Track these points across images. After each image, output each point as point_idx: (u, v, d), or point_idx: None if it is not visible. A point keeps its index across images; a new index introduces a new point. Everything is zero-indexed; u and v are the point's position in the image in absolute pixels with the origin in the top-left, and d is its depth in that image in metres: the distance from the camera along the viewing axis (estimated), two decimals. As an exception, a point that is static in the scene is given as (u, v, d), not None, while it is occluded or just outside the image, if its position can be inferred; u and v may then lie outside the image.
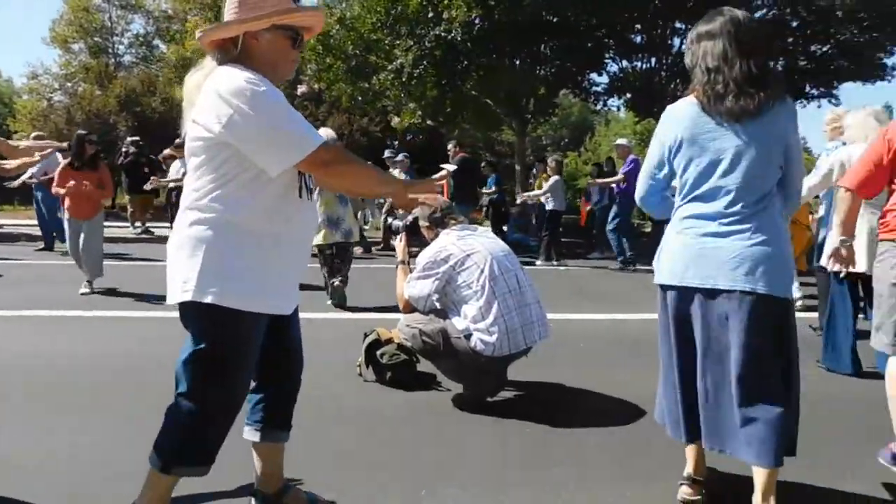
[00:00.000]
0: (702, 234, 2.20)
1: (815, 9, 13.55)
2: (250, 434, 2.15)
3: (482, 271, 3.37)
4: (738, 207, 2.16)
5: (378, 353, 3.89)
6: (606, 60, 15.76)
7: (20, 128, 24.76)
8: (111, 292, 6.73)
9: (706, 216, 2.21)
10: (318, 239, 5.94)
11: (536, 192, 11.22)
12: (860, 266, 3.73)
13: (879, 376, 3.01)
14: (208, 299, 1.77)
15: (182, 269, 1.81)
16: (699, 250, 2.20)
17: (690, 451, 2.41)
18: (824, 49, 14.91)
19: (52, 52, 33.68)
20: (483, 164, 13.45)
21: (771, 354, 2.15)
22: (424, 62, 12.73)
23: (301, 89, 19.37)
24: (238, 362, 1.87)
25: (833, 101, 15.48)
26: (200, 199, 1.81)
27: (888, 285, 2.76)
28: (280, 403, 2.14)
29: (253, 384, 2.10)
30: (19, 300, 6.04)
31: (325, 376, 3.87)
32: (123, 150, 13.01)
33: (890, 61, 14.70)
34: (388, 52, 13.78)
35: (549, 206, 10.67)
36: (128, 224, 13.27)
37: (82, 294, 6.53)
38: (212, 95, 1.76)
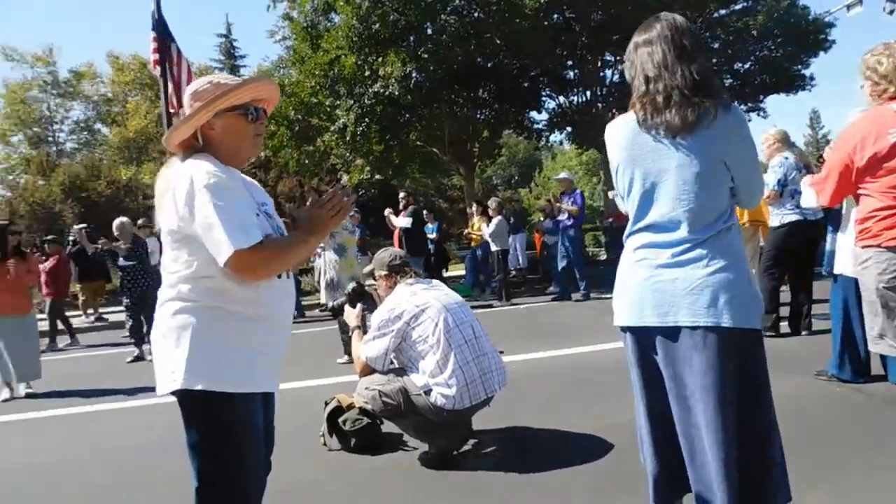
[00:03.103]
0: (656, 266, 1.97)
1: (732, 29, 14.25)
2: None
3: (437, 325, 3.35)
4: (691, 233, 1.93)
5: (340, 420, 3.82)
6: (543, 98, 16.22)
7: (-37, 227, 24.19)
8: (66, 385, 6.48)
9: (658, 245, 1.98)
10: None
11: (483, 231, 11.36)
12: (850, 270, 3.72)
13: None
14: (199, 386, 1.77)
15: (169, 358, 1.81)
16: (654, 284, 1.96)
17: None
18: (746, 66, 15.63)
19: (-9, 148, 33.23)
20: (425, 212, 13.64)
21: (742, 396, 1.89)
22: (366, 119, 12.93)
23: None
24: (240, 445, 1.84)
25: (761, 114, 16.17)
26: (180, 289, 1.82)
27: (878, 291, 2.82)
28: None
29: None
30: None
31: (288, 450, 3.75)
32: (71, 238, 12.74)
33: (808, 72, 15.46)
34: (329, 114, 13.95)
35: (493, 248, 10.88)
36: (80, 313, 12.92)
37: (4, 400, 6.09)
38: (170, 191, 1.79)
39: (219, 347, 1.80)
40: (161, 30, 14.26)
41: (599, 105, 16.11)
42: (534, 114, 16.80)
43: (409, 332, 3.39)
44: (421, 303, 3.44)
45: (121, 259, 7.97)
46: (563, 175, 10.92)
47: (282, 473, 3.36)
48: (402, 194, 11.80)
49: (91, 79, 37.43)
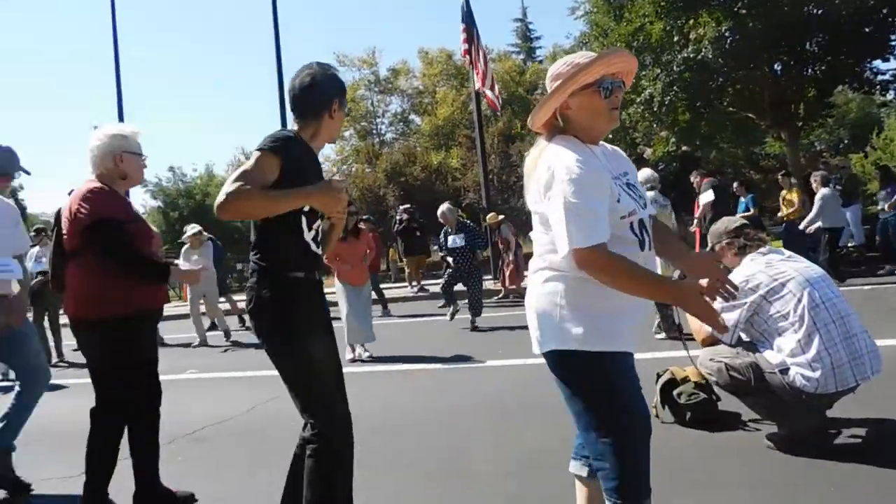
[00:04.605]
0: None
1: None
2: (577, 468, 2.19)
3: (799, 300, 3.06)
4: None
5: (675, 392, 3.72)
6: (893, 42, 13.59)
7: (312, 210, 28.81)
8: (391, 349, 7.35)
9: None
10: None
11: (810, 216, 9.98)
12: None
13: None
14: (572, 346, 1.88)
15: (543, 322, 1.95)
16: None
17: None
18: None
19: (329, 143, 39.25)
20: (736, 185, 12.42)
21: None
22: (674, 88, 12.29)
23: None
24: (622, 395, 1.91)
25: None
26: (549, 260, 1.95)
27: None
28: None
29: None
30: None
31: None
32: (397, 217, 14.42)
33: None
34: (634, 85, 13.57)
35: (822, 224, 9.52)
36: (406, 284, 14.62)
37: (351, 361, 6.75)
38: (537, 173, 1.93)
39: (586, 311, 1.88)
40: (469, 20, 15.41)
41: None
42: (878, 63, 14.24)
43: (765, 305, 3.14)
44: (779, 275, 3.16)
45: (450, 240, 8.74)
46: None
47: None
48: (692, 177, 10.96)
49: (405, 74, 41.75)
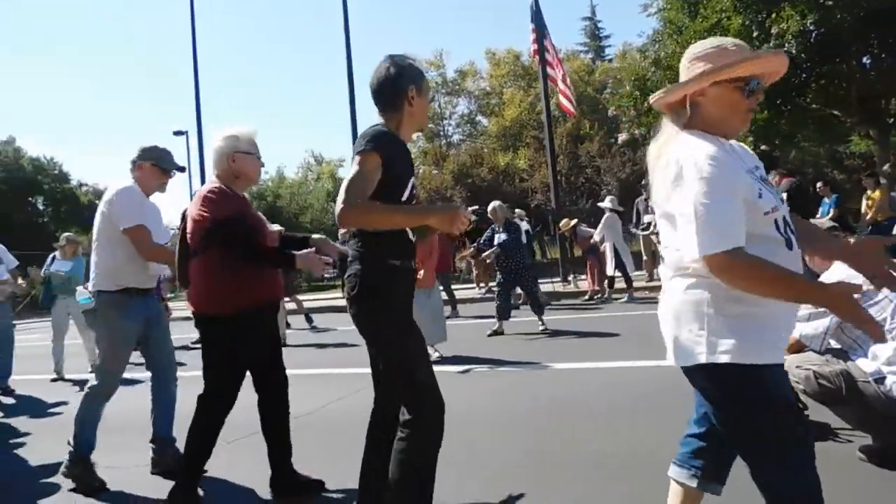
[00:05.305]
0: None
1: None
2: (684, 476, 2.08)
3: (896, 305, 2.91)
4: None
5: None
6: None
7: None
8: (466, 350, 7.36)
9: None
10: None
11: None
12: None
13: None
14: (724, 359, 1.72)
15: (687, 333, 1.79)
16: None
17: None
18: None
19: (398, 143, 39.97)
20: (819, 185, 11.79)
21: None
22: (753, 84, 11.80)
23: (622, 137, 19.60)
24: (781, 410, 1.75)
25: None
26: (688, 265, 1.78)
27: None
28: (724, 458, 2.03)
29: (697, 430, 2.07)
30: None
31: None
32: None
33: None
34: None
35: None
36: (474, 285, 14.67)
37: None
38: (662, 165, 1.79)
39: (738, 320, 1.72)
40: (538, 20, 15.31)
41: None
42: None
43: (859, 311, 2.99)
44: (873, 279, 3.00)
45: (496, 238, 8.57)
46: None
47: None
48: (771, 176, 10.49)
49: (472, 76, 41.86)
